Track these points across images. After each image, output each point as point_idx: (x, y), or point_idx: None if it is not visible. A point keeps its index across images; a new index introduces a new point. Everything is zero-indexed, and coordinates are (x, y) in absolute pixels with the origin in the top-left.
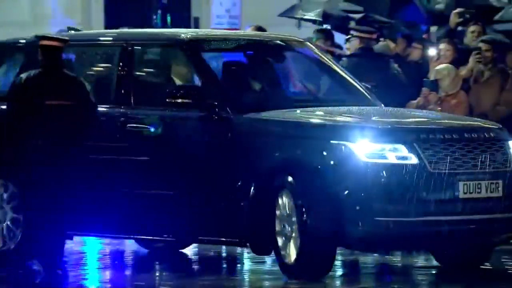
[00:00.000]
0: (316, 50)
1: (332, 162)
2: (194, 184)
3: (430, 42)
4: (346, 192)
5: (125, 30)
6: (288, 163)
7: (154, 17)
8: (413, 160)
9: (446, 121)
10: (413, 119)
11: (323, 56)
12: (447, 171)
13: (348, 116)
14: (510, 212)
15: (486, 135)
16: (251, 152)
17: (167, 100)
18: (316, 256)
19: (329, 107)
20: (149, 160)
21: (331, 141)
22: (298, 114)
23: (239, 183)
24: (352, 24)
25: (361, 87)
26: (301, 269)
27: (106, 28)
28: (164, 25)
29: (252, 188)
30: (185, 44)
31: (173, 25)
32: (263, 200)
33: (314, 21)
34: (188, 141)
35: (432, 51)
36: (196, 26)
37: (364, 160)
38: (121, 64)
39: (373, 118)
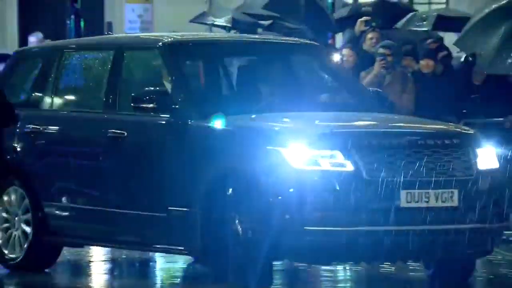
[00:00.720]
0: (314, 54)
1: (265, 169)
2: (152, 190)
3: (334, 48)
4: (277, 200)
5: (112, 36)
6: (228, 171)
7: (68, 22)
8: (348, 167)
9: (399, 125)
10: (358, 124)
11: (323, 62)
12: (386, 179)
13: (288, 122)
14: (468, 223)
15: (443, 142)
16: (202, 159)
17: (132, 105)
18: (250, 268)
19: (288, 113)
20: (116, 167)
21: (267, 147)
22: (244, 120)
23: (191, 191)
24: (260, 30)
25: (364, 91)
26: (238, 280)
27: (20, 33)
28: (77, 30)
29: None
30: (160, 49)
31: (86, 30)
32: (211, 209)
33: (224, 27)
34: (151, 147)
35: (336, 57)
36: (109, 31)
37: (296, 167)
38: (105, 69)
39: (315, 123)
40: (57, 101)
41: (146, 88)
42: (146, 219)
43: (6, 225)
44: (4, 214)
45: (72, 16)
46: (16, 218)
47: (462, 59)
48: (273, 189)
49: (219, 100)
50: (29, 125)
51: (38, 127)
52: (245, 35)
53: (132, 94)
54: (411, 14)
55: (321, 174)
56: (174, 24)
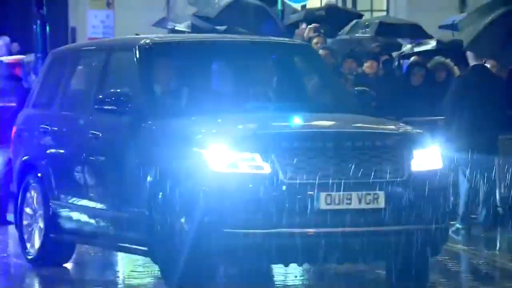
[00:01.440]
0: (303, 54)
1: (188, 171)
2: (115, 191)
3: None
4: (197, 202)
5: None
6: (160, 173)
7: (34, 26)
8: (266, 169)
9: (329, 126)
10: (287, 125)
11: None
12: (304, 181)
13: (217, 124)
14: (395, 225)
15: (374, 143)
16: (147, 160)
17: (95, 106)
18: (184, 267)
19: (231, 115)
20: (92, 167)
21: (192, 149)
22: (180, 122)
23: (139, 191)
24: None
25: (343, 93)
26: (181, 279)
27: None
28: (43, 34)
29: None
30: (135, 50)
31: (51, 35)
32: (152, 210)
33: (183, 32)
34: (115, 148)
35: None
36: (73, 36)
37: (215, 170)
38: (91, 71)
39: (241, 125)
40: (66, 101)
41: (111, 90)
42: (112, 219)
43: (29, 221)
44: (28, 210)
45: (38, 21)
46: (36, 214)
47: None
48: (194, 191)
49: (175, 103)
50: (41, 125)
51: (47, 127)
52: (227, 35)
53: (98, 96)
54: (354, 21)
55: (239, 177)
56: (135, 29)
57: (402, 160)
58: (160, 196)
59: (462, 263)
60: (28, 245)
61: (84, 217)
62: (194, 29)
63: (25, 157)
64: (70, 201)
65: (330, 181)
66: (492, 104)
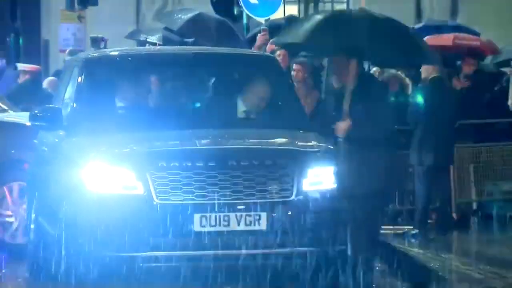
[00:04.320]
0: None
1: (64, 191)
2: (47, 203)
3: None
4: (71, 224)
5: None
6: (45, 195)
7: (8, 39)
8: (139, 189)
9: (217, 143)
10: (167, 143)
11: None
12: (178, 202)
13: (104, 142)
14: (277, 247)
15: (262, 161)
16: (39, 181)
17: (29, 121)
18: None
19: (139, 133)
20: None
21: (71, 169)
22: (74, 140)
23: (29, 214)
24: None
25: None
26: None
27: None
28: (16, 47)
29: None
30: (79, 64)
31: (25, 48)
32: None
33: (154, 44)
34: (48, 161)
35: None
36: (46, 48)
37: (89, 189)
38: (62, 84)
39: (124, 143)
40: None
41: (44, 106)
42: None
43: None
44: None
45: (12, 34)
46: None
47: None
48: (69, 212)
49: (94, 120)
50: None
51: None
52: (178, 47)
53: (33, 111)
54: None
55: (112, 198)
56: (112, 39)
57: (291, 179)
58: (40, 219)
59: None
60: None
61: None
62: (165, 41)
63: None
64: None
65: (206, 202)
66: (447, 114)
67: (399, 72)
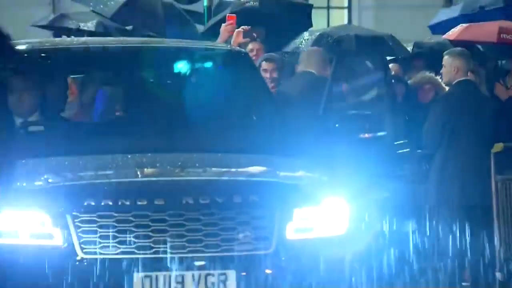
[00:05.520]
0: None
1: None
2: None
3: None
4: None
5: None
6: None
7: None
8: (57, 239)
9: (159, 174)
10: (99, 173)
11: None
12: (112, 255)
13: (6, 172)
14: None
15: (229, 200)
16: None
17: None
18: None
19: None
20: None
21: None
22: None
23: None
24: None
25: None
26: None
27: None
28: None
29: None
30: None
31: None
32: None
33: (92, 33)
34: None
35: None
36: None
37: None
38: None
39: (43, 176)
40: None
41: None
42: None
43: None
44: None
45: None
46: None
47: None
48: None
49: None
50: None
51: None
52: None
53: None
54: (318, 34)
55: (17, 251)
56: (18, 29)
57: (271, 223)
58: None
59: None
60: None
61: None
62: (101, 29)
63: None
64: None
65: (151, 256)
66: (481, 132)
67: (432, 75)
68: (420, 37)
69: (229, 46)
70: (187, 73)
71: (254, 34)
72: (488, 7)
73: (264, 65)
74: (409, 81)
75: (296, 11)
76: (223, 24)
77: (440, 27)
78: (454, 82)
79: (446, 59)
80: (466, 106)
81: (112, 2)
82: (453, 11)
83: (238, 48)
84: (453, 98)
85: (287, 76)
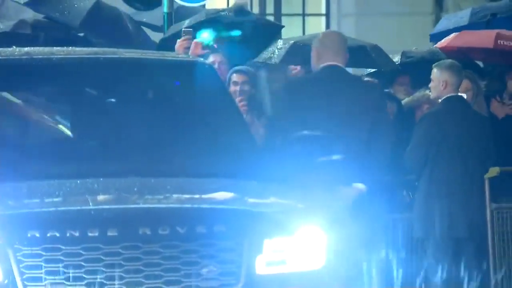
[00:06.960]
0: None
1: None
2: None
3: None
4: None
5: None
6: None
7: None
8: None
9: (112, 201)
10: (45, 200)
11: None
12: None
13: None
14: None
15: (192, 230)
16: None
17: None
18: None
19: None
20: None
21: None
22: None
23: None
24: None
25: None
26: None
27: None
28: None
29: None
30: None
31: None
32: None
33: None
34: None
35: None
36: None
37: None
38: None
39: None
40: None
41: None
42: None
43: None
44: None
45: None
46: None
47: None
48: None
49: None
50: None
51: None
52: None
53: None
54: (292, 41)
55: None
56: None
57: (238, 256)
58: None
59: None
60: None
61: None
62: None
63: None
64: None
65: None
66: (472, 155)
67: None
68: (408, 47)
69: (190, 56)
70: (144, 87)
71: (215, 45)
72: (500, 14)
73: (235, 77)
74: (404, 100)
75: (267, 26)
76: (178, 40)
77: (443, 37)
78: (442, 99)
79: (434, 72)
80: (453, 126)
81: (75, 10)
82: (460, 19)
83: (201, 59)
84: (440, 116)
85: (279, 84)
